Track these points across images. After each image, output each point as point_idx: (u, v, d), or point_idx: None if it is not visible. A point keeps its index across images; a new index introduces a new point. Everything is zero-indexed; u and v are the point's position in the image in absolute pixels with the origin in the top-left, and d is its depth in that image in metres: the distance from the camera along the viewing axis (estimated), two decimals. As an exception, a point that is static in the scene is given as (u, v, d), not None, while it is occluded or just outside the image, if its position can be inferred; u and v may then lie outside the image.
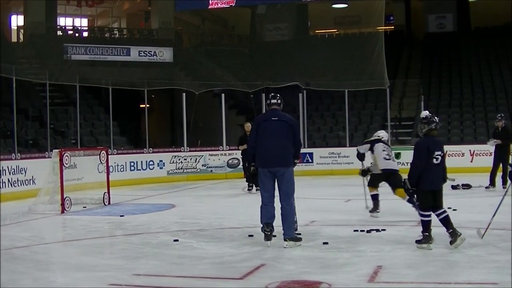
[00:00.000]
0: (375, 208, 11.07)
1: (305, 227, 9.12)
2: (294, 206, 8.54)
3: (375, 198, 11.12)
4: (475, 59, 29.21)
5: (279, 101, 8.75)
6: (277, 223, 8.56)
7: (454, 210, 10.52)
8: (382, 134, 11.52)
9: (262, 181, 8.62)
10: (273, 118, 8.61)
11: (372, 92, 25.40)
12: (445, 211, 8.02)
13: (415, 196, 8.52)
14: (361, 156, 11.60)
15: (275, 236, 8.51)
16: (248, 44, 33.18)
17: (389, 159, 10.97)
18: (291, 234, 8.40)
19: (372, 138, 11.43)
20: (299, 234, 8.65)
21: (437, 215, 7.96)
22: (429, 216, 7.98)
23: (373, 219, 10.64)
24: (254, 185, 15.43)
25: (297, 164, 8.85)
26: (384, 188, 11.19)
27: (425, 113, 10.25)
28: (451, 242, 7.80)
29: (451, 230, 7.85)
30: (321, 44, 31.07)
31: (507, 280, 6.22)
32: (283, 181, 8.43)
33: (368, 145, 11.26)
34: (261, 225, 8.45)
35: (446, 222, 7.92)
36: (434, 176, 7.97)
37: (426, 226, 7.97)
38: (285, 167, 8.44)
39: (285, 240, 8.34)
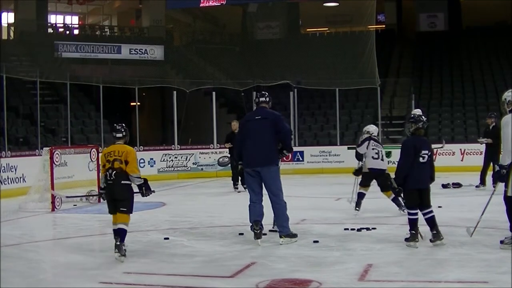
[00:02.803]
0: (357, 206, 11.01)
1: (295, 226, 9.10)
2: (285, 202, 8.55)
3: (360, 197, 11.05)
4: (466, 58, 29.29)
5: (267, 99, 8.76)
6: (266, 221, 8.57)
7: (439, 207, 10.49)
8: (372, 129, 11.29)
9: (247, 181, 8.71)
10: (256, 117, 8.63)
11: (363, 91, 25.39)
12: (431, 211, 8.06)
13: (402, 195, 8.57)
14: (360, 156, 11.23)
15: (265, 234, 8.53)
16: (239, 42, 33.17)
17: (377, 158, 10.89)
18: (286, 231, 8.41)
19: (365, 136, 11.24)
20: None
21: (424, 214, 8.01)
22: (415, 214, 8.03)
23: (363, 217, 10.62)
24: (241, 183, 15.12)
25: (287, 155, 8.76)
26: (374, 187, 11.20)
27: (418, 111, 10.28)
28: (431, 241, 7.90)
29: (434, 232, 7.93)
30: (312, 43, 31.10)
31: (497, 279, 6.26)
32: (267, 180, 8.45)
33: (366, 143, 11.00)
34: (251, 224, 8.47)
35: (431, 222, 7.98)
36: (421, 175, 8.01)
37: (412, 224, 8.02)
38: (268, 166, 8.44)
39: (280, 237, 8.36)
